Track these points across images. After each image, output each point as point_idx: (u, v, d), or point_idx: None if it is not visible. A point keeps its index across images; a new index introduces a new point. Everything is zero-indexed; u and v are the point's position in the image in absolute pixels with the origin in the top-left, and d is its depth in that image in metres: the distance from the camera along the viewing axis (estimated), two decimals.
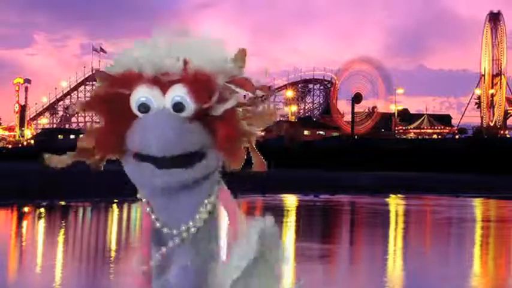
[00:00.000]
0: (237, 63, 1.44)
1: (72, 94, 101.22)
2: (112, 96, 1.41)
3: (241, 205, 1.55)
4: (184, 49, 1.42)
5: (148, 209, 1.50)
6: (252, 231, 1.49)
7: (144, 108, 1.39)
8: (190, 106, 1.38)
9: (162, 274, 1.49)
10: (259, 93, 1.47)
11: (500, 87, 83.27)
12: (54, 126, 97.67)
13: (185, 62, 1.41)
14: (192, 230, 1.45)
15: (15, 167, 33.66)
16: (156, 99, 1.39)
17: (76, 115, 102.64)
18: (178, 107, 1.38)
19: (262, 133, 1.50)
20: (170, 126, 1.36)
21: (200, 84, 1.38)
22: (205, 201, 1.46)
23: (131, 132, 1.39)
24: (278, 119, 1.54)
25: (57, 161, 1.49)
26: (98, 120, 1.47)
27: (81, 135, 1.47)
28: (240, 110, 1.45)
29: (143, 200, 1.51)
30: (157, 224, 1.47)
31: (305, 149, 56.06)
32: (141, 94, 1.39)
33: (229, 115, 1.41)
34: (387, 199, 24.08)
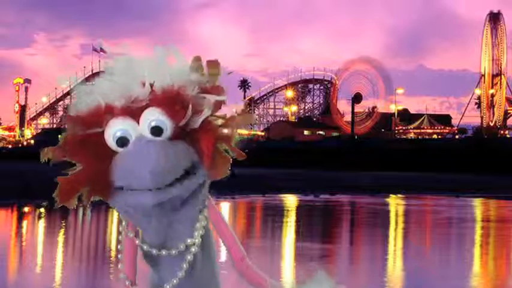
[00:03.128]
0: (198, 71, 1.41)
1: (72, 94, 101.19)
2: (84, 137, 1.37)
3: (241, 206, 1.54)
4: (144, 71, 1.38)
5: (131, 235, 1.47)
6: None
7: (122, 142, 1.35)
8: (168, 126, 1.34)
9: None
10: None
11: (500, 87, 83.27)
12: (54, 126, 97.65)
13: (150, 85, 1.37)
14: (193, 249, 1.43)
15: (15, 167, 33.65)
16: (132, 130, 1.35)
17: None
18: (156, 130, 1.34)
19: (238, 135, 1.47)
20: (157, 153, 1.32)
21: (172, 101, 1.35)
22: (200, 216, 1.44)
23: (116, 169, 1.34)
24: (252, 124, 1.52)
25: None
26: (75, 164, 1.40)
27: (61, 178, 1.40)
28: (215, 117, 1.41)
29: (123, 223, 1.49)
30: (145, 247, 1.44)
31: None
32: (115, 128, 1.35)
33: (206, 125, 1.38)
34: (387, 199, 24.07)
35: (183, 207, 1.40)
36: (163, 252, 1.42)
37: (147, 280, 1.51)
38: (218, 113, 1.41)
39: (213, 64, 1.43)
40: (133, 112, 1.36)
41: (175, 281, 1.42)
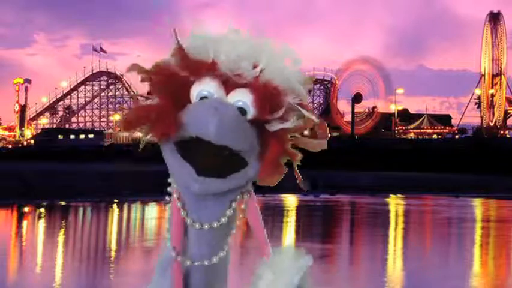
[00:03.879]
0: (305, 86, 1.42)
1: (72, 94, 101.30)
2: (178, 76, 1.37)
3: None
4: (263, 57, 1.38)
5: (179, 204, 1.47)
6: (294, 276, 1.44)
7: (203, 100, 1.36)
8: (251, 113, 1.35)
9: (186, 258, 1.48)
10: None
11: (500, 87, 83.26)
12: (54, 126, 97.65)
13: (260, 70, 1.37)
14: (215, 225, 1.44)
15: (15, 167, 33.65)
16: (218, 97, 1.35)
17: (76, 114, 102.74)
18: (239, 110, 1.34)
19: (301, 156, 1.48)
20: (232, 114, 1.32)
21: (268, 96, 1.35)
22: (233, 204, 1.45)
23: (188, 111, 1.34)
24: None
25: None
26: (148, 96, 1.39)
27: (130, 107, 1.41)
28: (290, 133, 1.41)
29: (174, 194, 1.49)
30: (187, 221, 1.46)
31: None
32: (205, 87, 1.36)
33: (282, 134, 1.38)
34: (387, 199, 24.07)
35: (223, 196, 1.41)
36: (197, 225, 1.43)
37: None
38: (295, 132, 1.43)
39: (310, 80, 1.44)
40: (230, 83, 1.36)
41: (197, 253, 1.44)
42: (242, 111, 1.35)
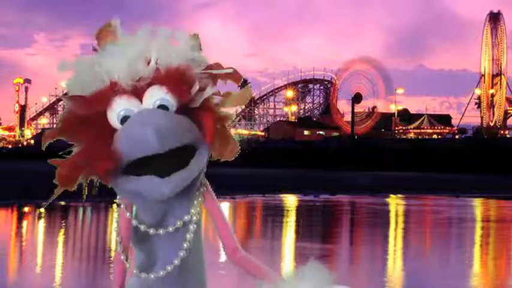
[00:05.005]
0: (196, 49, 1.41)
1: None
2: (86, 116, 1.34)
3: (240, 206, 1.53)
4: (150, 51, 1.37)
5: (128, 215, 1.46)
6: None
7: (126, 120, 1.34)
8: (173, 104, 1.34)
9: (144, 272, 1.46)
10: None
11: (500, 87, 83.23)
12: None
13: (155, 62, 1.36)
14: (191, 227, 1.42)
15: (15, 167, 33.64)
16: (136, 109, 1.34)
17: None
18: (161, 108, 1.34)
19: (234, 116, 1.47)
20: (163, 118, 1.31)
21: (177, 79, 1.34)
22: (195, 201, 1.43)
23: (120, 140, 1.32)
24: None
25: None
26: (74, 145, 1.38)
27: (58, 164, 1.37)
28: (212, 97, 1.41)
29: (122, 206, 1.48)
30: (141, 228, 1.44)
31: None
32: (120, 107, 1.33)
33: (208, 104, 1.38)
34: (387, 199, 24.06)
35: (185, 191, 1.39)
36: (161, 231, 1.41)
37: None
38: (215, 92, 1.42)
39: (196, 39, 1.43)
40: (138, 90, 1.35)
41: (176, 262, 1.42)
42: (164, 108, 1.34)
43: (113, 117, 1.34)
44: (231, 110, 1.45)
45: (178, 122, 1.33)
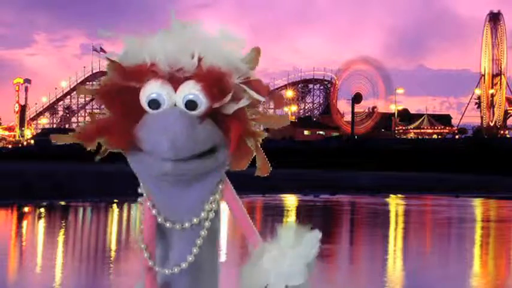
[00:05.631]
0: (251, 63, 1.41)
1: (72, 94, 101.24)
2: (122, 88, 1.36)
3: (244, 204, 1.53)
4: (199, 46, 1.38)
5: (149, 204, 1.47)
6: (309, 249, 1.45)
7: (154, 104, 1.35)
8: (203, 104, 1.34)
9: (163, 267, 1.47)
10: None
11: (500, 87, 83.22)
12: (54, 126, 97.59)
13: (199, 59, 1.37)
14: (207, 223, 1.42)
15: (15, 167, 33.64)
16: (167, 96, 1.35)
17: (76, 114, 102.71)
18: (190, 104, 1.34)
19: (267, 134, 1.47)
20: (184, 128, 1.32)
21: (214, 81, 1.35)
22: (211, 198, 1.44)
23: (141, 129, 1.34)
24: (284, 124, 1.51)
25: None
26: (103, 111, 1.41)
27: (84, 121, 1.43)
28: (249, 110, 1.41)
29: (144, 195, 1.48)
30: (159, 219, 1.44)
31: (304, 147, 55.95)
32: (152, 90, 1.35)
33: (240, 114, 1.38)
34: (387, 199, 24.06)
35: (194, 184, 1.40)
36: (178, 226, 1.42)
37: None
38: (254, 108, 1.42)
39: (256, 54, 1.43)
40: (174, 80, 1.36)
41: (190, 258, 1.42)
42: (194, 104, 1.34)
43: (143, 96, 1.36)
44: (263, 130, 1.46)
45: (200, 130, 1.34)
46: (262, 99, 1.41)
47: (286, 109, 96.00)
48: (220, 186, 1.46)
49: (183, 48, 1.37)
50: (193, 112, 1.34)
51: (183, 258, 1.43)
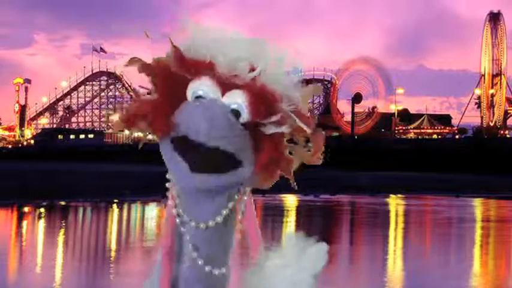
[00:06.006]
0: (305, 96, 1.42)
1: (72, 94, 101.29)
2: (175, 74, 1.38)
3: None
4: (263, 62, 1.38)
5: (171, 203, 1.47)
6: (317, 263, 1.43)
7: (198, 99, 1.37)
8: (245, 116, 1.35)
9: (179, 262, 1.48)
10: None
11: (500, 87, 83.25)
12: (54, 126, 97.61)
13: (257, 73, 1.37)
14: (211, 223, 1.43)
15: (15, 167, 33.65)
16: (213, 96, 1.36)
17: (76, 114, 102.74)
18: (233, 112, 1.35)
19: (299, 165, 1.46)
20: (222, 114, 1.33)
21: (263, 99, 1.35)
22: (229, 204, 1.44)
23: (181, 111, 1.35)
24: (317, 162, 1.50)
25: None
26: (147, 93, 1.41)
27: (131, 102, 1.42)
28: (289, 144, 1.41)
29: (170, 193, 1.49)
30: (177, 219, 1.46)
31: None
32: (201, 87, 1.36)
33: (278, 138, 1.38)
34: (387, 199, 24.07)
35: (218, 194, 1.41)
36: (193, 223, 1.43)
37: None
38: (299, 138, 1.42)
39: (315, 91, 1.45)
40: (226, 85, 1.36)
41: (195, 254, 1.43)
42: (236, 113, 1.35)
43: (191, 89, 1.37)
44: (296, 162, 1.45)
45: (236, 130, 1.34)
46: (307, 129, 1.41)
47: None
48: (244, 197, 1.47)
49: (246, 58, 1.37)
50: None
51: (192, 254, 1.45)
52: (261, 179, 1.43)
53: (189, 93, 1.37)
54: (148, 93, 1.41)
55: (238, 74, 1.36)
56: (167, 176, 1.45)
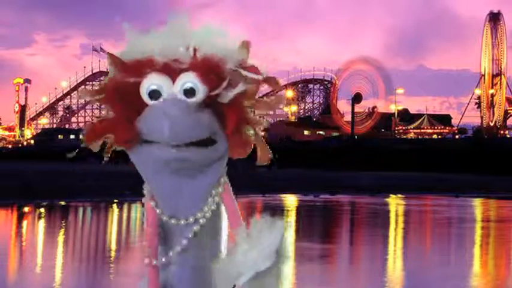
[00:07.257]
0: (243, 53, 1.45)
1: (72, 94, 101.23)
2: (122, 85, 1.41)
3: (240, 205, 1.54)
4: (194, 39, 1.44)
5: (152, 203, 1.49)
6: (274, 238, 1.45)
7: (154, 95, 1.40)
8: (201, 91, 1.39)
9: (166, 267, 1.49)
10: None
11: (500, 87, 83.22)
12: (54, 126, 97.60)
13: (194, 50, 1.42)
14: (201, 221, 1.45)
15: (15, 167, 33.64)
16: (166, 87, 1.40)
17: (76, 114, 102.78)
18: (188, 91, 1.39)
19: (267, 122, 1.51)
20: (182, 113, 1.36)
21: (210, 69, 1.40)
22: (213, 191, 1.46)
23: (143, 118, 1.39)
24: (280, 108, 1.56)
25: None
26: (105, 110, 1.46)
27: (87, 123, 1.48)
28: (247, 100, 1.45)
29: (147, 195, 1.51)
30: (164, 217, 1.47)
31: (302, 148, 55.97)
32: (151, 81, 1.40)
33: (237, 101, 1.42)
34: (387, 199, 24.06)
35: (197, 176, 1.43)
36: (173, 221, 1.46)
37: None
38: (251, 97, 1.46)
39: (246, 45, 1.47)
40: (172, 71, 1.41)
41: (178, 248, 1.46)
42: (192, 91, 1.38)
43: (143, 88, 1.41)
44: (263, 118, 1.50)
45: (198, 116, 1.38)
46: (259, 77, 1.45)
47: (286, 109, 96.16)
48: (222, 180, 1.49)
49: (178, 41, 1.43)
50: (191, 99, 1.39)
51: (174, 249, 1.48)
52: (236, 147, 1.46)
53: (143, 93, 1.41)
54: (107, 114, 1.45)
55: (178, 57, 1.41)
56: (143, 191, 1.49)
